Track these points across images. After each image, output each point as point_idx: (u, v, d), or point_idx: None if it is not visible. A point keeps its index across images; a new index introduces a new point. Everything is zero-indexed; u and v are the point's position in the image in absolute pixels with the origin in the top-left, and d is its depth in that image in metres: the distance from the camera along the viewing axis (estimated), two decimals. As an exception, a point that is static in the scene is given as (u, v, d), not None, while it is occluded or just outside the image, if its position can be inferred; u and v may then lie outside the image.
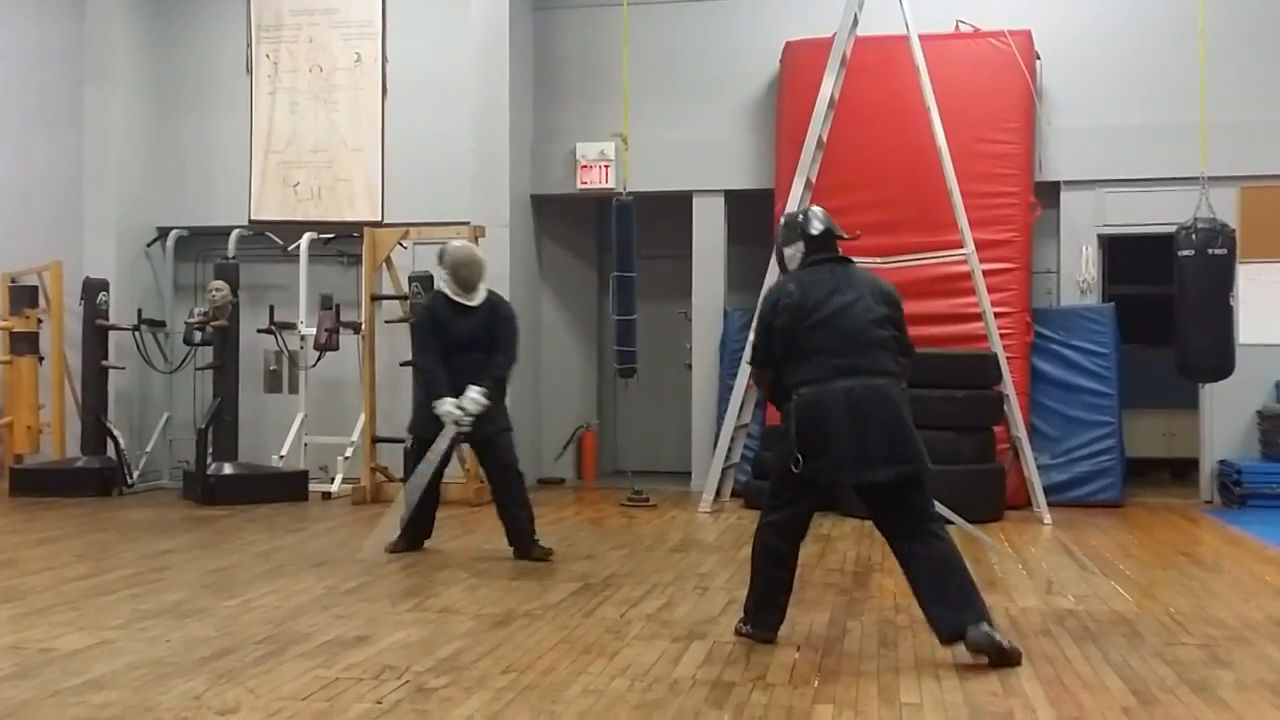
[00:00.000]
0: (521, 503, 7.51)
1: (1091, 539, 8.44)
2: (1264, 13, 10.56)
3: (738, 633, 5.45)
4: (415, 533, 7.71)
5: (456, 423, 7.22)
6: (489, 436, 7.45)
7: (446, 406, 7.22)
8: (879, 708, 4.39)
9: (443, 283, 7.53)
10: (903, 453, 5.12)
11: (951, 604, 4.97)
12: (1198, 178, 9.45)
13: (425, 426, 7.44)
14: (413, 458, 7.63)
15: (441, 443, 7.32)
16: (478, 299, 7.45)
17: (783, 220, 5.69)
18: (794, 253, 5.44)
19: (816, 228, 5.43)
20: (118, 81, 11.90)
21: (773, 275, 10.03)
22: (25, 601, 6.21)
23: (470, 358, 7.35)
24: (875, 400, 5.12)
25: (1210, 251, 9.32)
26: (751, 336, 5.63)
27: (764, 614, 5.39)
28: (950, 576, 5.02)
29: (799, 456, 5.12)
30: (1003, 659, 4.89)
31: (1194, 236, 9.34)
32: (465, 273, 7.41)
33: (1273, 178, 10.37)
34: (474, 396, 7.22)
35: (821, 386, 5.13)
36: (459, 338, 7.37)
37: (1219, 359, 9.46)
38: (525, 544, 7.43)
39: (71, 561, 7.48)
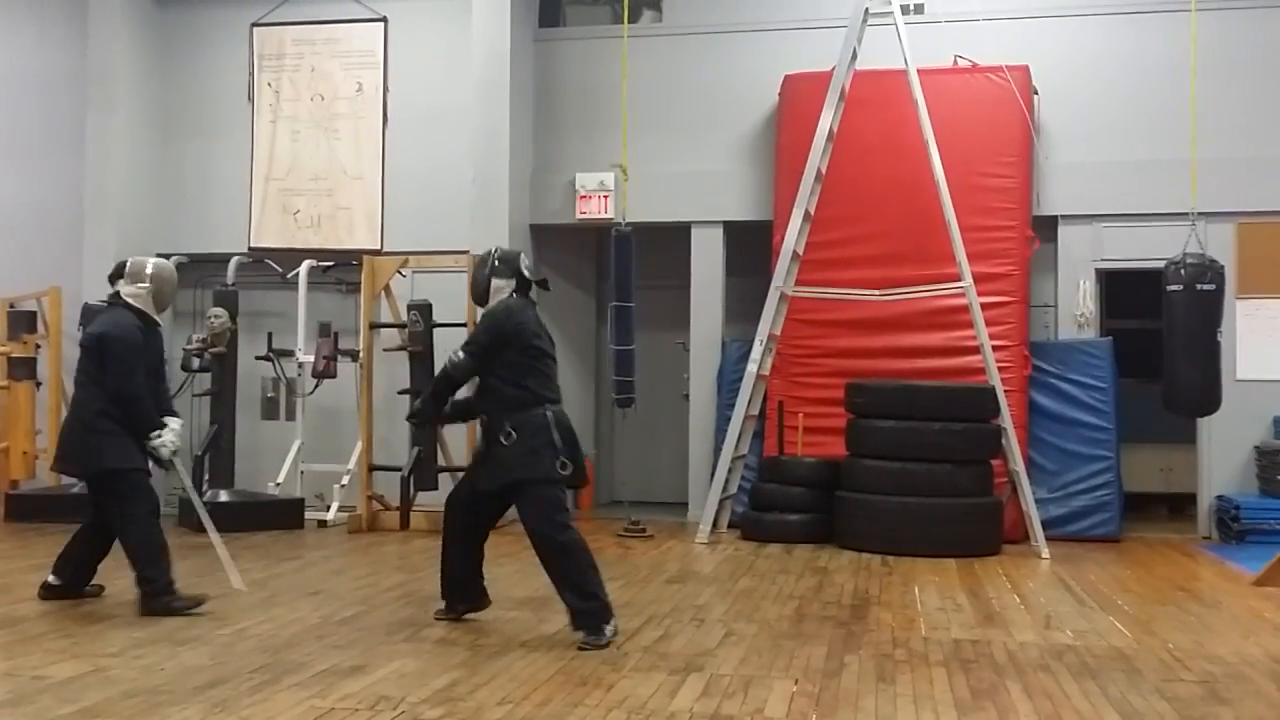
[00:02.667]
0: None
1: (1089, 574, 8.42)
2: (1262, 50, 10.62)
3: (599, 644, 5.79)
4: (77, 576, 6.97)
5: (175, 454, 6.75)
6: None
7: (170, 437, 6.68)
8: (877, 742, 4.37)
9: (133, 298, 6.77)
10: None
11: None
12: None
13: (139, 455, 6.66)
14: (147, 489, 6.75)
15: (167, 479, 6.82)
16: (161, 320, 6.96)
17: (495, 255, 6.31)
18: (503, 285, 6.22)
19: (529, 272, 6.30)
20: (119, 108, 11.93)
21: (771, 306, 10.13)
22: (19, 628, 6.18)
23: (162, 384, 6.93)
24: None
25: (1199, 287, 9.34)
26: (483, 338, 6.17)
27: (604, 595, 6.00)
28: None
29: (565, 461, 5.99)
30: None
31: (1183, 272, 9.36)
32: (169, 290, 6.93)
33: (1270, 214, 10.41)
34: (177, 429, 6.78)
35: (559, 405, 6.13)
36: (154, 360, 6.84)
37: (1206, 394, 9.46)
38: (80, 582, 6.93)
39: (66, 588, 7.44)
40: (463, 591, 6.40)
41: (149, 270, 6.85)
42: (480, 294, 6.27)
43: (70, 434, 6.79)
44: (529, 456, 5.96)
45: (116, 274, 6.94)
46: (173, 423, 6.77)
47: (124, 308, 6.78)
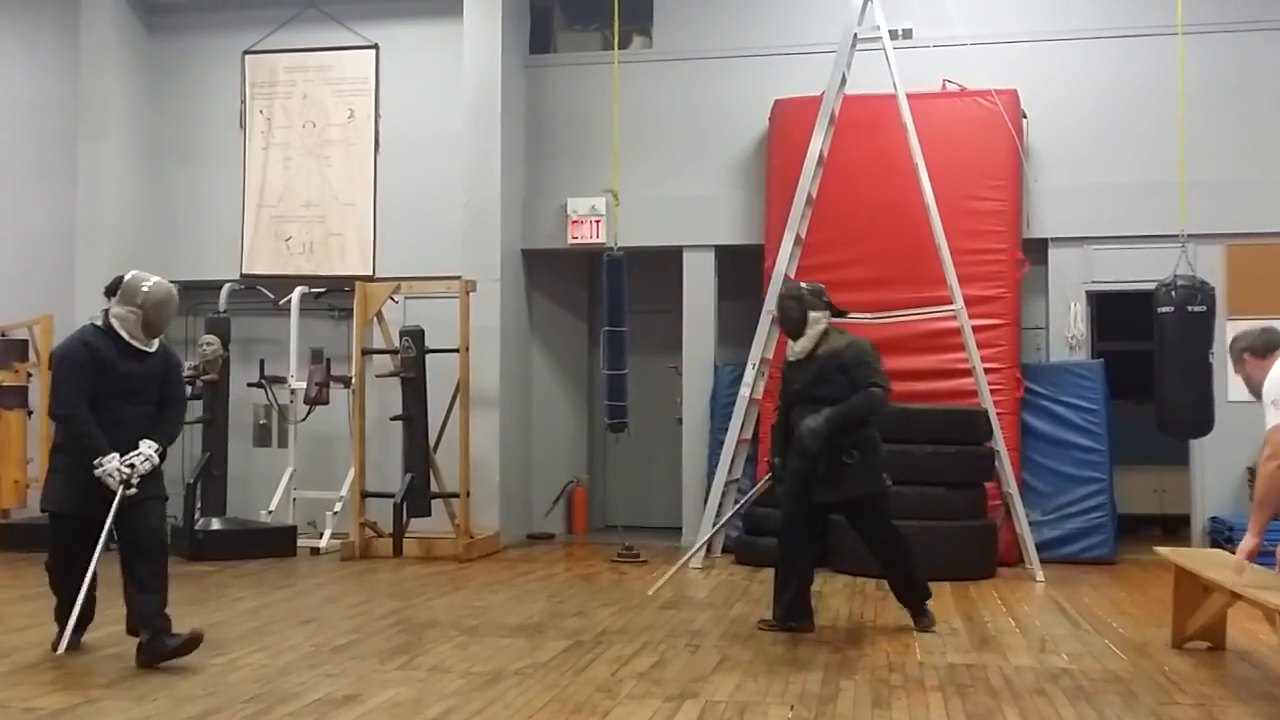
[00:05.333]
0: (155, 585, 6.10)
1: (1084, 596, 8.42)
2: (1251, 72, 10.69)
3: (931, 627, 7.02)
4: (85, 619, 6.36)
5: (125, 483, 6.02)
6: (140, 502, 6.15)
7: (114, 464, 6.01)
8: (873, 769, 4.36)
9: (118, 319, 6.25)
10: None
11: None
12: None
13: (78, 499, 6.14)
14: (64, 537, 6.25)
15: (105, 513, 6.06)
16: (155, 345, 6.38)
17: (805, 288, 7.24)
18: (820, 316, 7.06)
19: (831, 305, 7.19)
20: (111, 135, 11.95)
21: (763, 330, 10.12)
22: (10, 659, 6.14)
23: (141, 410, 6.25)
24: None
25: (1190, 308, 9.34)
26: (881, 372, 6.93)
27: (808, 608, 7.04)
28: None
29: (888, 476, 7.06)
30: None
31: (1173, 293, 9.38)
32: (161, 313, 6.32)
33: (1259, 235, 10.46)
34: (148, 454, 6.12)
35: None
36: (129, 385, 6.22)
37: (1198, 415, 9.45)
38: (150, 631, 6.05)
39: (57, 618, 7.40)
40: (798, 609, 6.98)
41: (143, 292, 6.26)
42: (798, 327, 7.10)
43: None
44: (871, 473, 6.91)
45: (112, 289, 6.39)
46: (142, 446, 6.14)
47: (94, 326, 6.34)
